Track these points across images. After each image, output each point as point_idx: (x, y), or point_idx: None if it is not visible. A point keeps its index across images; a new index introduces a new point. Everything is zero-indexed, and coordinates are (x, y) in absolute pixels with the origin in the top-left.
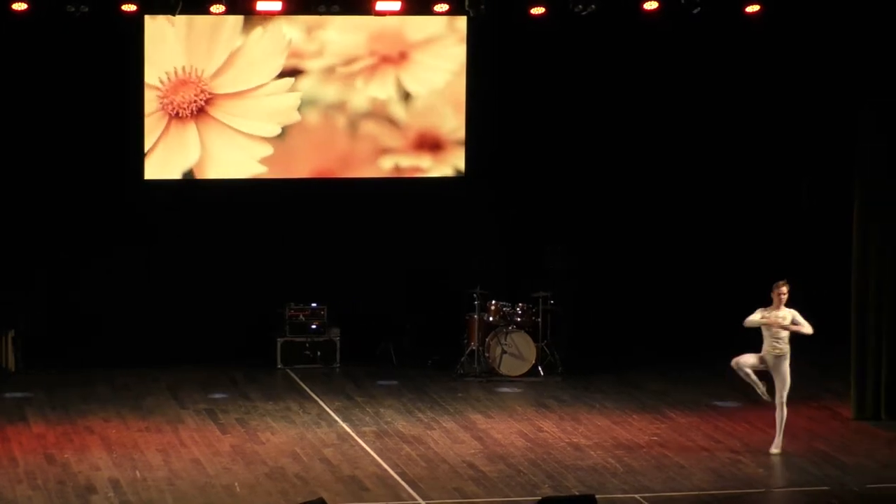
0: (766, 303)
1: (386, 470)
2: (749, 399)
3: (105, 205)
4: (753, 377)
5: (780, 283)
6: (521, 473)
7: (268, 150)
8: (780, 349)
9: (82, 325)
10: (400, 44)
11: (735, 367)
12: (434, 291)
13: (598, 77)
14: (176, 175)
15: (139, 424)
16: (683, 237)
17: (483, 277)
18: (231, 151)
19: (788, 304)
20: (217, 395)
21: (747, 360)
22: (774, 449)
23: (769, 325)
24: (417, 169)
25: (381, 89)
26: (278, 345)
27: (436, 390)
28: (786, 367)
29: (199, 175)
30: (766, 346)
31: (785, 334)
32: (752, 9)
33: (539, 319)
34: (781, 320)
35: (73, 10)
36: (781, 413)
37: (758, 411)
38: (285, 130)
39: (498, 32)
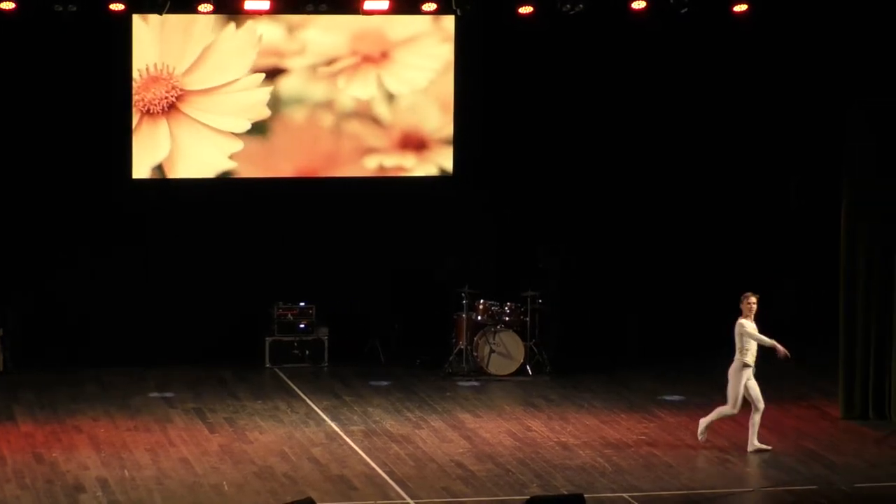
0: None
1: (374, 469)
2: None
3: (93, 204)
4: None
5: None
6: (509, 473)
7: (237, 145)
8: (750, 362)
9: (70, 325)
10: (382, 43)
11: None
12: (422, 291)
13: (587, 77)
14: (146, 170)
15: (127, 424)
16: (673, 236)
17: (470, 276)
18: (200, 147)
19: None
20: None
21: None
22: (751, 448)
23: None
24: (401, 168)
25: (362, 89)
26: (267, 344)
27: (424, 389)
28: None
29: (169, 170)
30: (753, 358)
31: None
32: (740, 8)
33: (527, 318)
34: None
35: (60, 9)
36: (755, 418)
37: (746, 411)
38: (268, 129)
39: (486, 32)
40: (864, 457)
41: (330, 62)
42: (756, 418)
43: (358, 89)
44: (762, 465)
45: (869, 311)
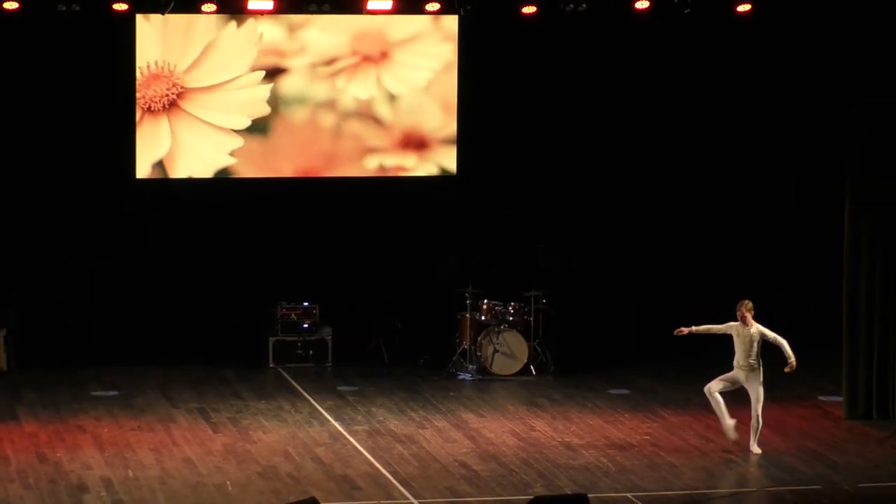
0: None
1: (378, 469)
2: (736, 400)
3: (95, 204)
4: (723, 408)
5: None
6: (513, 473)
7: (237, 142)
8: (754, 363)
9: (73, 325)
10: (382, 43)
11: (707, 394)
12: (425, 291)
13: (589, 77)
14: (146, 167)
15: (131, 423)
16: (673, 236)
17: (471, 276)
18: (201, 143)
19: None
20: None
21: (718, 385)
22: (754, 448)
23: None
24: (402, 168)
25: (362, 88)
26: (270, 344)
27: (428, 389)
28: (759, 381)
29: (169, 166)
30: (739, 361)
31: (757, 349)
32: (743, 8)
33: (531, 318)
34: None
35: (64, 9)
36: (757, 423)
37: (748, 411)
38: (269, 128)
39: (489, 32)
40: (867, 457)
41: (330, 62)
42: (752, 421)
43: (358, 89)
44: (765, 466)
45: (871, 310)
